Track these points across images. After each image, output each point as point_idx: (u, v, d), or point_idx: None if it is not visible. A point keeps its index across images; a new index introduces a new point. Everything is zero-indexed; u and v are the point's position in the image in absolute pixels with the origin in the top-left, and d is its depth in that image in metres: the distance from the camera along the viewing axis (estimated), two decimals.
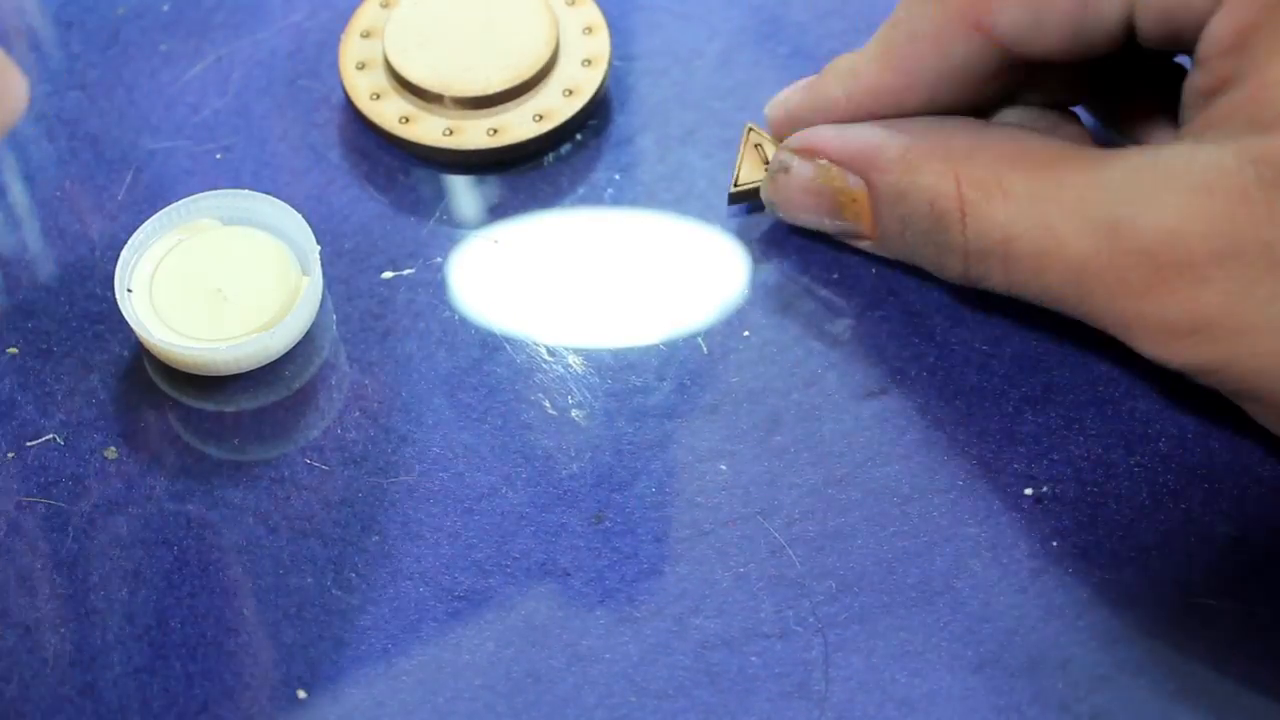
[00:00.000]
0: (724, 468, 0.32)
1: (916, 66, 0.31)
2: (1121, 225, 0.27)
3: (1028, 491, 0.31)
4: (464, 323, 0.34)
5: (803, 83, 0.34)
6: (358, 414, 0.33)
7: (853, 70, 0.32)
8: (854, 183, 0.32)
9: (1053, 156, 0.29)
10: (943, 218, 0.30)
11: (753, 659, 0.29)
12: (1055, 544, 0.30)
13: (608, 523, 0.31)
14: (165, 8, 0.40)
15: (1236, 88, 0.27)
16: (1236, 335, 0.26)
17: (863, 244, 0.33)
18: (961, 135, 0.31)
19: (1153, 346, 0.28)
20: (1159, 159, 0.27)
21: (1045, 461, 0.31)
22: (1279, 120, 0.26)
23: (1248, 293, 0.26)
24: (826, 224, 0.33)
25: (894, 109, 0.32)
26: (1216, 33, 0.27)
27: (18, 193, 0.37)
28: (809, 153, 0.33)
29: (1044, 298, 0.29)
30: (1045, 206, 0.28)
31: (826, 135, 0.32)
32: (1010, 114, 0.33)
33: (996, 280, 0.30)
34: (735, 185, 0.35)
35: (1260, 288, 0.26)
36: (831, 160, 0.32)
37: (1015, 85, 0.32)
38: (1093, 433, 0.32)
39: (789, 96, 0.34)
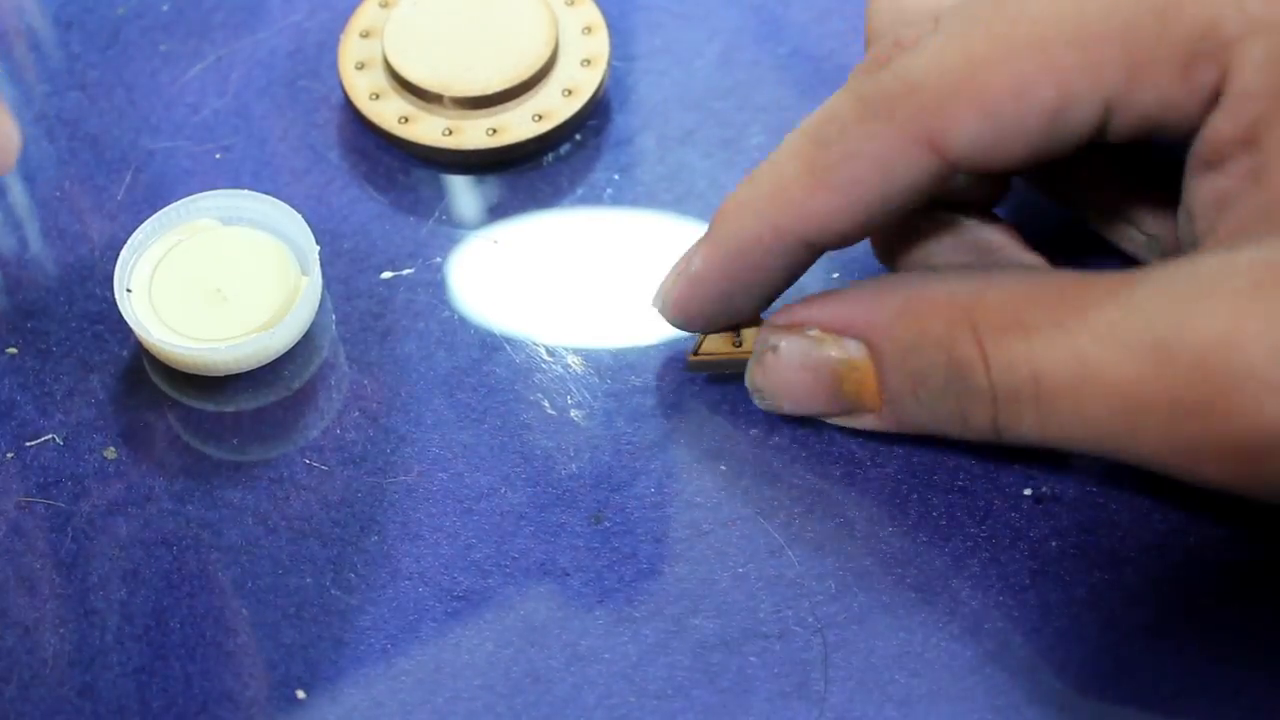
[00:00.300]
0: (724, 468, 0.32)
1: (855, 187, 0.27)
2: (1166, 343, 0.24)
3: (1027, 491, 0.31)
4: (463, 323, 0.34)
5: (693, 250, 0.30)
6: (357, 414, 0.33)
7: (775, 196, 0.28)
8: (853, 349, 0.29)
9: (1070, 284, 0.26)
10: (961, 365, 0.26)
11: (752, 659, 0.29)
12: (1054, 544, 0.30)
13: (607, 523, 0.31)
14: (165, 8, 0.40)
15: (1261, 186, 0.24)
16: None
17: (865, 421, 0.30)
18: (961, 280, 0.28)
19: (1225, 475, 0.24)
20: (1195, 270, 0.24)
21: (1045, 461, 0.31)
22: None
23: None
24: (822, 404, 0.30)
25: (825, 232, 0.28)
26: (1221, 133, 0.25)
27: (18, 193, 0.37)
28: (795, 327, 0.29)
29: (1088, 439, 0.26)
30: (1075, 337, 0.25)
31: (812, 304, 0.29)
32: (937, 248, 0.30)
33: (1030, 425, 0.26)
34: (695, 353, 0.32)
35: None
36: (823, 329, 0.29)
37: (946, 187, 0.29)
38: None
39: (679, 275, 0.30)
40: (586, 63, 0.38)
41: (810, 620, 0.29)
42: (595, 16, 0.38)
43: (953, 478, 0.31)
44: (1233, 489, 0.24)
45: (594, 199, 0.37)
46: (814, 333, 0.29)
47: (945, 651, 0.29)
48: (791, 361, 0.29)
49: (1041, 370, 0.25)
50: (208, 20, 0.40)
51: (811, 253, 0.29)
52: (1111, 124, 0.26)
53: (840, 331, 0.29)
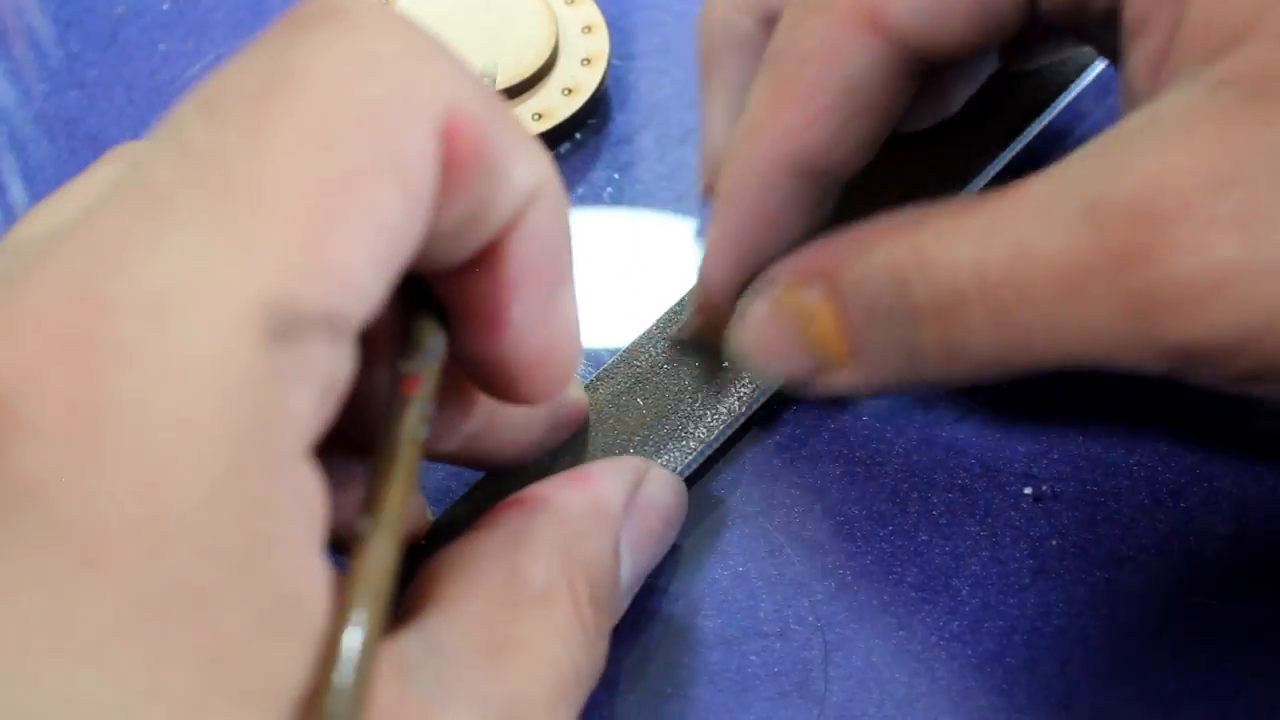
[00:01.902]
0: (723, 466, 0.32)
1: (815, 92, 0.27)
2: (1098, 202, 0.22)
3: (1027, 490, 0.31)
4: None
5: (718, 223, 0.29)
6: None
7: (752, 130, 0.28)
8: (810, 298, 0.27)
9: (1007, 189, 0.24)
10: (904, 282, 0.25)
11: (752, 658, 0.29)
12: (1055, 543, 0.30)
13: None
14: (164, 7, 0.40)
15: (1181, 33, 0.23)
16: (1270, 275, 0.21)
17: (839, 379, 0.27)
18: (909, 213, 0.26)
19: (1178, 327, 0.21)
20: (1120, 130, 0.23)
21: (1045, 460, 0.31)
22: (1229, 40, 0.22)
23: (1268, 218, 0.20)
24: (793, 357, 0.28)
25: (808, 152, 0.27)
26: None
27: (17, 192, 0.37)
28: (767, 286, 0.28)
29: (1043, 335, 0.24)
30: (1011, 225, 0.23)
31: (785, 259, 0.28)
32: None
33: (982, 335, 0.24)
34: (680, 331, 0.32)
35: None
36: (786, 282, 0.28)
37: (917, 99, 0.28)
38: (1092, 431, 0.32)
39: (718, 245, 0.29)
40: (586, 62, 0.38)
41: (810, 619, 0.29)
42: (595, 15, 0.38)
43: (953, 477, 0.31)
44: (1193, 357, 0.22)
45: (594, 198, 0.37)
46: (775, 291, 0.28)
47: (945, 651, 0.29)
48: (760, 315, 0.28)
49: (982, 265, 0.23)
50: (207, 19, 0.40)
51: (812, 183, 0.28)
52: (1042, 9, 0.25)
53: (801, 279, 0.27)
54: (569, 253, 0.23)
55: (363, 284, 0.18)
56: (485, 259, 0.22)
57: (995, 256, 0.23)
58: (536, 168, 0.21)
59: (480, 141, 0.20)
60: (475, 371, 0.23)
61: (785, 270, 0.28)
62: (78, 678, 0.16)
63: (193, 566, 0.16)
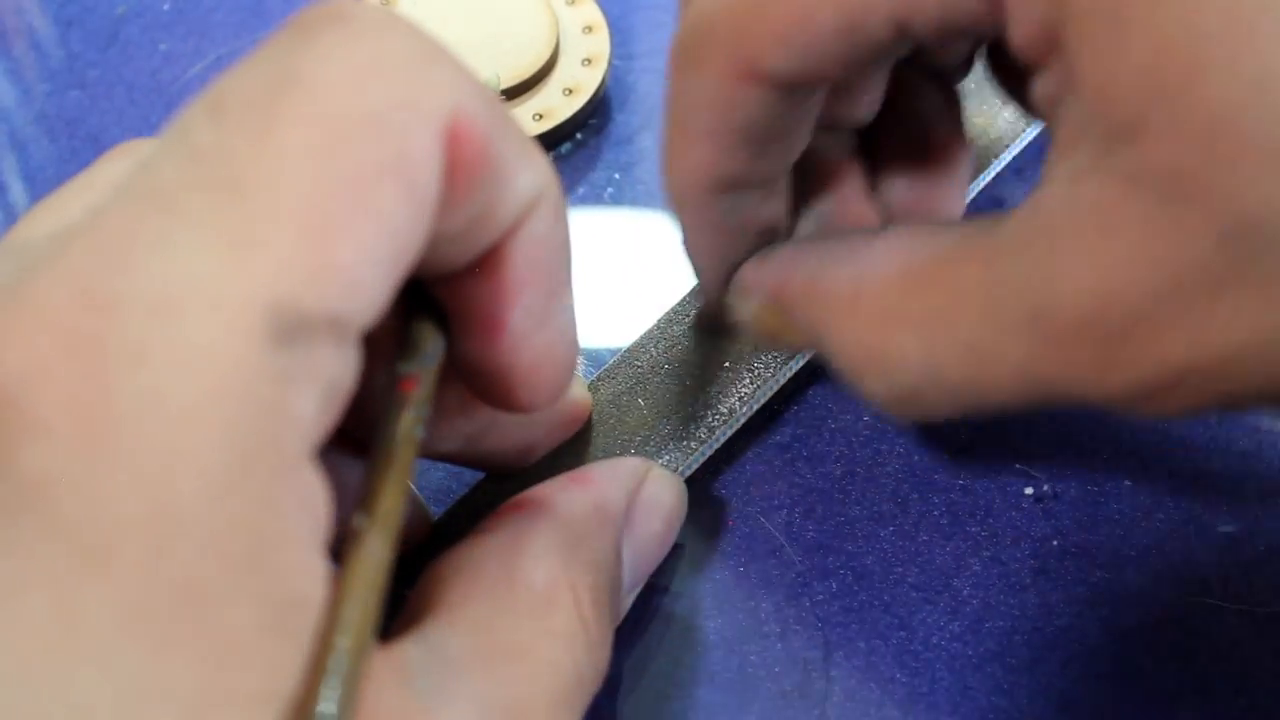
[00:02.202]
0: (724, 466, 0.32)
1: (714, 136, 0.27)
2: (1043, 312, 0.23)
3: (1028, 491, 0.31)
4: None
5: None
6: None
7: (669, 164, 0.28)
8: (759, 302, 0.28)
9: (943, 266, 0.24)
10: (854, 374, 0.25)
11: (753, 658, 0.29)
12: (1055, 543, 0.30)
13: None
14: (165, 7, 0.40)
15: (1076, 95, 0.22)
16: (1233, 362, 0.22)
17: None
18: (844, 259, 0.26)
19: (1153, 409, 0.23)
20: (1037, 216, 0.23)
21: (1045, 461, 0.31)
22: (1128, 127, 0.21)
23: (1210, 317, 0.21)
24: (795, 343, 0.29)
25: (720, 180, 0.27)
26: (1023, 38, 0.23)
27: (18, 192, 0.37)
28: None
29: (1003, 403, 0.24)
30: (957, 324, 0.24)
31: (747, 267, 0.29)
32: (809, 220, 0.29)
33: (939, 407, 0.25)
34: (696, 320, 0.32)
35: (1221, 306, 0.21)
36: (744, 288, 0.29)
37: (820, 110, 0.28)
38: (1093, 431, 0.32)
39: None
40: (587, 62, 0.38)
41: (811, 619, 0.29)
42: (596, 16, 0.38)
43: (953, 477, 0.31)
44: (1174, 416, 0.23)
45: (595, 198, 0.37)
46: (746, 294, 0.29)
47: (946, 650, 0.29)
48: (745, 317, 0.29)
49: (935, 366, 0.24)
50: (208, 19, 0.40)
51: (745, 194, 0.28)
52: (914, 35, 0.25)
53: (751, 292, 0.28)
54: (568, 260, 0.23)
55: (367, 287, 0.18)
56: (486, 263, 0.22)
57: (949, 359, 0.24)
58: (538, 174, 0.22)
59: (484, 146, 0.20)
60: (473, 379, 0.23)
61: (745, 278, 0.28)
62: (81, 677, 0.16)
63: (196, 566, 0.17)
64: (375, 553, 0.19)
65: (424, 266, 0.21)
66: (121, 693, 0.16)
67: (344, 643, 0.18)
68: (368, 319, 0.19)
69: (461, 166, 0.20)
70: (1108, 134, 0.22)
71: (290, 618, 0.18)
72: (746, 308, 0.29)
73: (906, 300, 0.25)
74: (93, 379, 0.16)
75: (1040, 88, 0.23)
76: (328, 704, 0.17)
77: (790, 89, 0.26)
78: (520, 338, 0.22)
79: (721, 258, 0.30)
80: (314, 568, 0.18)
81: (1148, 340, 0.22)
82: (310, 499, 0.18)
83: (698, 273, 0.30)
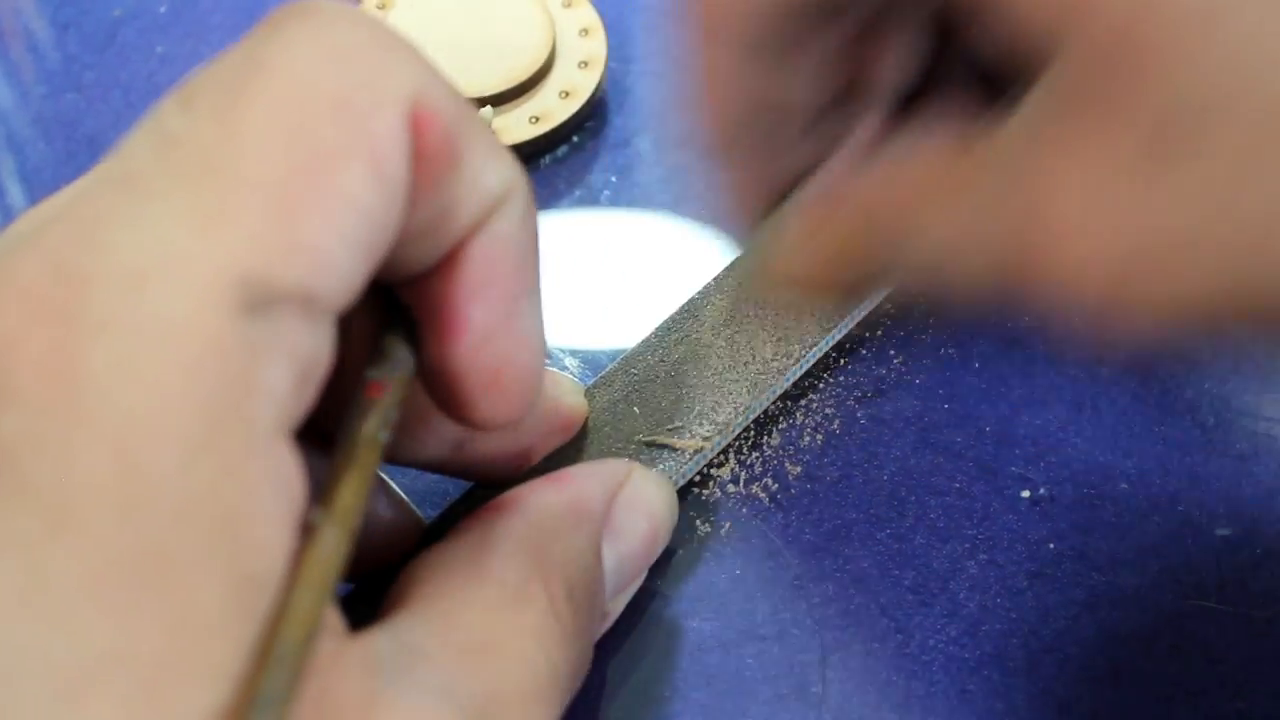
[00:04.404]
0: (722, 469, 0.32)
1: (743, 40, 0.26)
2: (1028, 211, 0.23)
3: (1024, 494, 0.31)
4: None
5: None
6: None
7: (720, 94, 0.27)
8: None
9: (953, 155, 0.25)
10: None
11: (749, 661, 0.29)
12: (1052, 546, 0.30)
13: None
14: (162, 9, 0.40)
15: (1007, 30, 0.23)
16: (1183, 249, 0.21)
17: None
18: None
19: (1120, 320, 0.22)
20: (1008, 137, 0.23)
21: (1042, 464, 0.31)
22: (1053, 46, 0.22)
23: (1149, 204, 0.21)
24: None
25: (757, 97, 0.27)
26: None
27: (15, 195, 0.37)
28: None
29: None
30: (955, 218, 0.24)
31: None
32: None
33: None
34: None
35: (1156, 193, 0.21)
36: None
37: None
38: (1089, 435, 0.32)
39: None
40: (584, 65, 0.38)
41: (808, 622, 0.29)
42: (592, 18, 0.38)
43: (950, 480, 0.31)
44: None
45: (591, 201, 0.37)
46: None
47: (943, 654, 0.29)
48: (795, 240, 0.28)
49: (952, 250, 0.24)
50: (205, 21, 0.40)
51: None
52: None
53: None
54: (535, 262, 0.23)
55: (337, 264, 0.19)
56: (449, 262, 0.22)
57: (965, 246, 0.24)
58: (505, 171, 0.22)
59: (449, 134, 0.20)
60: (437, 388, 0.23)
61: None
62: (43, 638, 0.16)
63: (163, 534, 0.17)
64: (329, 546, 0.19)
65: (394, 266, 0.21)
66: (83, 656, 0.16)
67: (292, 633, 0.18)
68: (339, 298, 0.19)
69: (427, 152, 0.20)
70: (1038, 59, 0.22)
71: (255, 595, 0.18)
72: (801, 243, 0.28)
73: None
74: (62, 347, 0.17)
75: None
76: (267, 695, 0.17)
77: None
78: (481, 340, 0.22)
79: (758, 195, 0.29)
80: (281, 545, 0.18)
81: (1096, 235, 0.22)
82: (282, 476, 0.18)
83: (733, 220, 0.29)
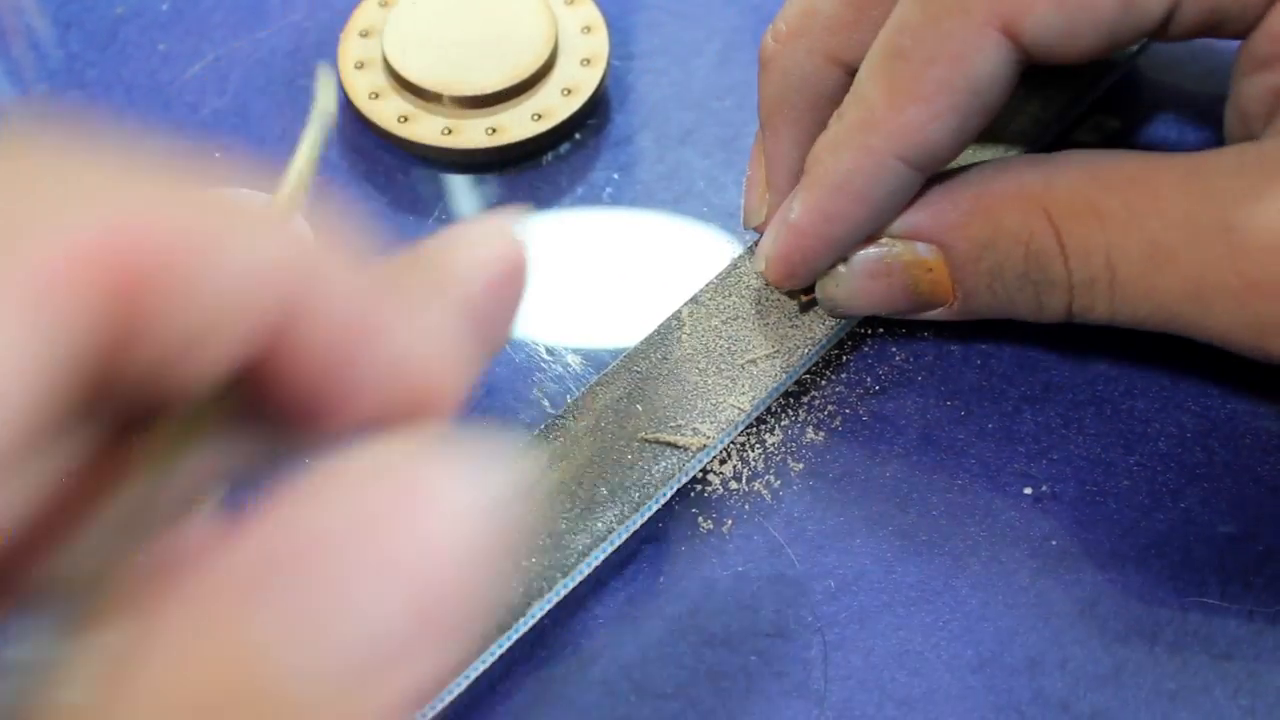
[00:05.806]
0: (723, 466, 0.32)
1: (940, 91, 0.27)
2: (1238, 228, 0.25)
3: (1026, 491, 0.31)
4: None
5: (789, 201, 0.30)
6: None
7: (864, 122, 0.28)
8: (925, 251, 0.29)
9: (1138, 169, 0.27)
10: (1040, 256, 0.28)
11: (752, 658, 0.29)
12: (1054, 543, 0.30)
13: None
14: (164, 7, 0.40)
15: None
16: None
17: (936, 314, 0.31)
18: (1027, 169, 0.28)
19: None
20: (1263, 154, 0.25)
21: (1044, 461, 0.31)
22: None
23: None
24: (901, 305, 0.30)
25: (921, 146, 0.28)
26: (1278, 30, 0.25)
27: None
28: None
29: (1155, 319, 0.27)
30: (1147, 222, 0.26)
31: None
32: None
33: (1102, 310, 0.28)
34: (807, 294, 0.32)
35: None
36: (894, 236, 0.29)
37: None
38: (1091, 432, 0.32)
39: (779, 227, 0.30)
40: (586, 62, 0.38)
41: (810, 619, 0.29)
42: (594, 16, 0.38)
43: (952, 477, 0.31)
44: None
45: (593, 198, 0.37)
46: (884, 241, 0.29)
47: (945, 651, 0.29)
48: (864, 270, 0.30)
49: (1116, 259, 0.26)
50: (207, 19, 0.40)
51: (911, 174, 0.28)
52: (1178, 15, 0.26)
53: (912, 237, 0.29)
54: (401, 291, 0.19)
55: None
56: (279, 351, 0.18)
57: (1132, 255, 0.26)
58: (282, 249, 0.18)
59: (171, 247, 0.17)
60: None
61: (901, 227, 0.29)
62: None
63: None
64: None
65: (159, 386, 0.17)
66: None
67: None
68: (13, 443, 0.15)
69: (137, 274, 0.16)
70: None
71: None
72: (868, 259, 0.29)
73: (1102, 191, 0.27)
74: None
75: (1264, 79, 0.26)
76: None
77: (1029, 55, 0.27)
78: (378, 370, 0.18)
79: (842, 241, 0.30)
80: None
81: None
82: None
83: (801, 246, 0.30)
